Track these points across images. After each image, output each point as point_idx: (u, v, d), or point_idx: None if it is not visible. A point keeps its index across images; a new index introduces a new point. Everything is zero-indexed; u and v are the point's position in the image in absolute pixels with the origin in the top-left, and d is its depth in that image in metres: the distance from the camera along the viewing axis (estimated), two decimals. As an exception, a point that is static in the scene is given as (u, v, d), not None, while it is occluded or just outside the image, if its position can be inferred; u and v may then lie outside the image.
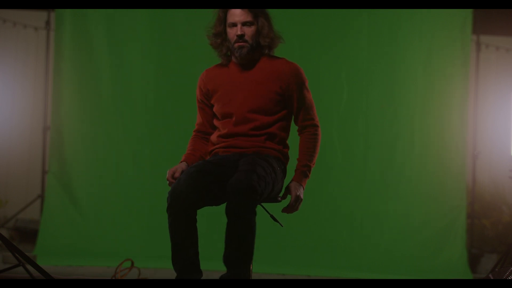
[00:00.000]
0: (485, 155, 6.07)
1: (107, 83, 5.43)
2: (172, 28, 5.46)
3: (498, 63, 6.37)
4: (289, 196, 3.19)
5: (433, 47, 5.44)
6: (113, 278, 4.04)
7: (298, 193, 3.17)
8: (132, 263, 4.22)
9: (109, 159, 5.42)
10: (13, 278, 3.55)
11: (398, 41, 5.45)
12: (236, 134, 3.22)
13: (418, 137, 5.43)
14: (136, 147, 5.42)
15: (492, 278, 3.52)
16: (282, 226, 3.19)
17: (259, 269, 4.55)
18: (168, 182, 3.15)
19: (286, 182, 3.26)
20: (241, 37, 3.19)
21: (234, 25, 3.20)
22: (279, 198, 3.23)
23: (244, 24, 3.20)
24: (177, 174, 3.14)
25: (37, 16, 6.14)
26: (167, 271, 4.66)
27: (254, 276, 3.07)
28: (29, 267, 3.39)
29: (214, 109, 3.28)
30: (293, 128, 3.34)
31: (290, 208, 3.18)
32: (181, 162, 3.25)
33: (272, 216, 3.19)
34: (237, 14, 3.19)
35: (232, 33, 3.20)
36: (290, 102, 3.25)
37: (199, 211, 3.04)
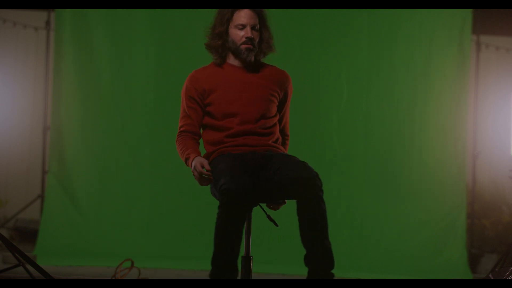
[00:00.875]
0: (485, 155, 6.06)
1: (107, 83, 5.43)
2: (172, 28, 5.46)
3: (498, 63, 6.37)
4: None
5: (433, 47, 5.44)
6: (113, 278, 4.04)
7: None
8: (132, 263, 4.22)
9: (109, 159, 5.42)
10: (13, 278, 3.55)
11: (398, 41, 5.46)
12: (243, 133, 3.21)
13: (418, 137, 5.43)
14: (136, 147, 5.41)
15: (492, 278, 3.52)
16: (277, 226, 3.20)
17: (259, 269, 4.55)
18: (196, 176, 3.05)
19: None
20: (251, 39, 3.20)
21: (243, 26, 3.21)
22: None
23: (252, 27, 3.21)
24: (207, 167, 3.06)
25: (37, 16, 6.14)
26: (167, 271, 4.66)
27: (254, 276, 3.07)
28: (29, 267, 3.39)
29: (210, 109, 3.24)
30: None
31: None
32: (196, 156, 3.11)
33: (268, 216, 3.20)
34: (247, 17, 3.20)
35: (240, 34, 3.21)
36: (281, 108, 3.33)
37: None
